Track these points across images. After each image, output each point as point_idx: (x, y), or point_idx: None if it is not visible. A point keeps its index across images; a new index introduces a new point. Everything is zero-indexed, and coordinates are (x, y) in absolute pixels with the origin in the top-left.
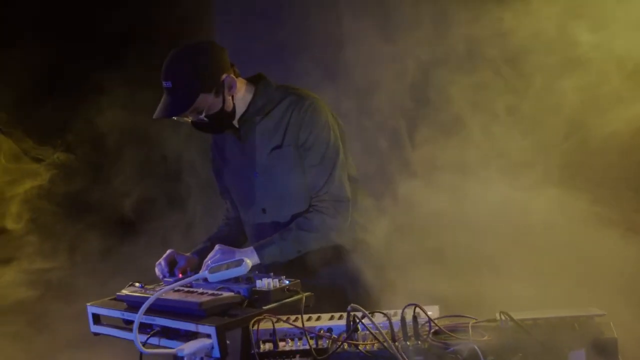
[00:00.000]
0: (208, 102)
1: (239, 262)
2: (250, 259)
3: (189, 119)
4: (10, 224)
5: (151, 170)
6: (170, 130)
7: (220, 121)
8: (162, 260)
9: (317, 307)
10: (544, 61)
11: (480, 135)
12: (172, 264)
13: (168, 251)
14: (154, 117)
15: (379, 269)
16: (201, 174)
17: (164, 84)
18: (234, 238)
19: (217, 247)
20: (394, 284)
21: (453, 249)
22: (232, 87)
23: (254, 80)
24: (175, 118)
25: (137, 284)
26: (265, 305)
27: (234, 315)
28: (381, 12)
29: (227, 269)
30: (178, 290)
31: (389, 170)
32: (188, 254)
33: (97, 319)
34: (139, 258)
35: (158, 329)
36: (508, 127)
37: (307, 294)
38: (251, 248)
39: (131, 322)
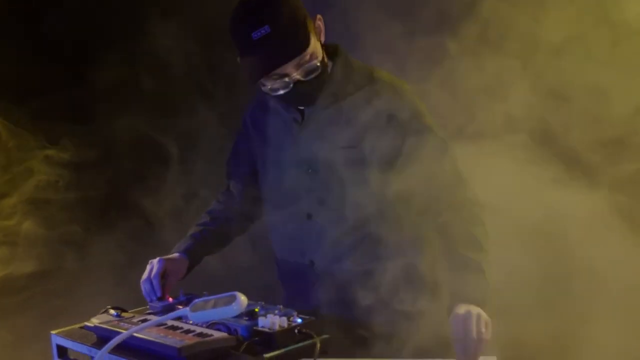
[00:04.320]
0: (317, 48)
1: (231, 299)
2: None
3: (292, 77)
4: (9, 221)
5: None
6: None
7: (322, 83)
8: (152, 278)
9: None
10: None
11: None
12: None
13: (158, 263)
14: (255, 79)
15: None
16: None
17: (257, 32)
18: (228, 234)
19: None
20: None
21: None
22: (322, 34)
23: (329, 53)
24: (268, 87)
25: (112, 312)
26: (267, 352)
27: None
28: None
29: (213, 307)
30: (161, 324)
31: None
32: (176, 255)
33: (63, 352)
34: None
35: None
36: None
37: (323, 336)
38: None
39: None
